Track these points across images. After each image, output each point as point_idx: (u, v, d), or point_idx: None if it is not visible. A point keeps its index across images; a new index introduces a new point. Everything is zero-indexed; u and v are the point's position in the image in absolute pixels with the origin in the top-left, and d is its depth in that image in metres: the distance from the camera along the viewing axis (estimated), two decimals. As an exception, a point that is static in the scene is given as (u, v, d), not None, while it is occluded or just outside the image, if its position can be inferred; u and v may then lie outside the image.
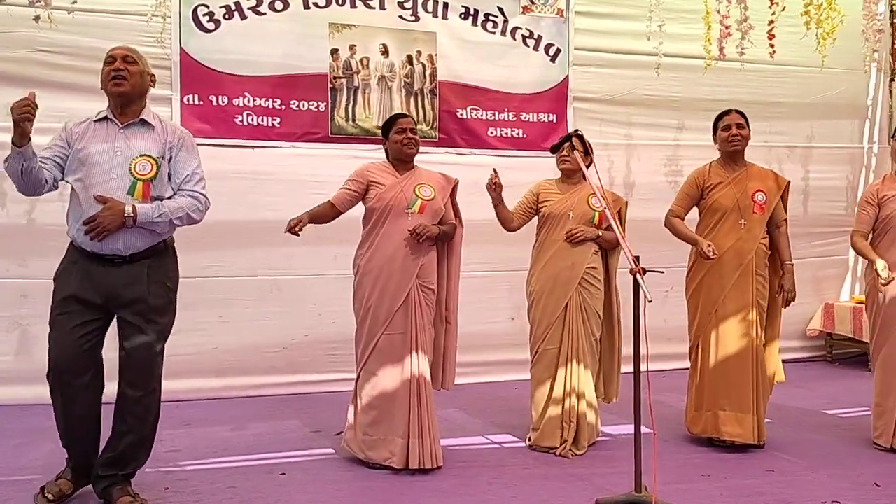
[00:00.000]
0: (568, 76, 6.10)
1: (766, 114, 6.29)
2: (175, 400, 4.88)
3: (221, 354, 5.36)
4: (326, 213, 3.94)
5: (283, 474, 3.74)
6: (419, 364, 3.78)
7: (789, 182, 4.29)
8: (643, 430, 4.28)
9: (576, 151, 3.70)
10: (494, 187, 4.04)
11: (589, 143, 3.76)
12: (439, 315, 3.93)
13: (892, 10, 5.75)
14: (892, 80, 6.86)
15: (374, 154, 5.06)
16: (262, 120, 5.48)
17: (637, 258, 3.14)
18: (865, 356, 6.58)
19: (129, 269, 3.11)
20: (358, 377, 3.88)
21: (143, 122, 3.20)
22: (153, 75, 3.34)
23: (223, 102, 5.39)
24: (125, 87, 3.15)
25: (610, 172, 6.16)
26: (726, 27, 5.41)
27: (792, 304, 4.23)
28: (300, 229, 3.80)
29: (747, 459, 3.99)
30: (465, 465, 3.89)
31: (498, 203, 4.14)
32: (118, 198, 3.05)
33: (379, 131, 5.30)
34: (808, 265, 6.48)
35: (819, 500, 3.38)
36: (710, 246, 3.99)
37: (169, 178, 3.18)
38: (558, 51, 6.08)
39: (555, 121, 6.06)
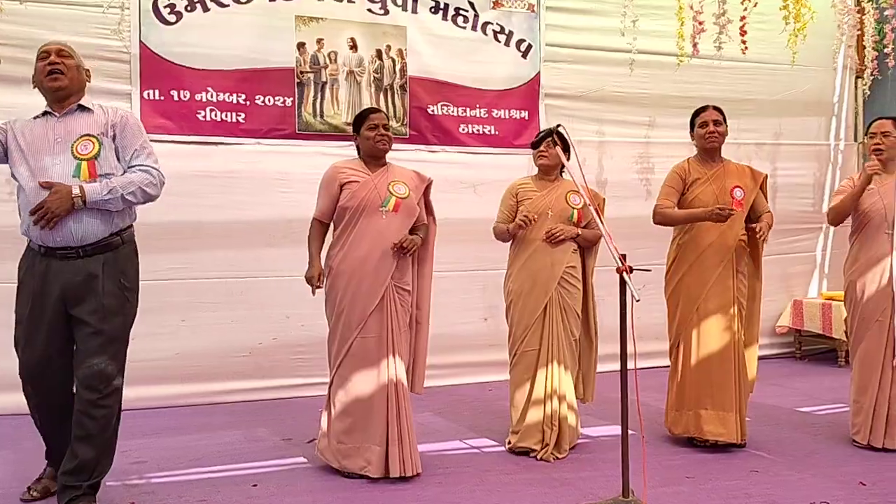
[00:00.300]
0: (539, 72, 6.02)
1: (735, 111, 6.21)
2: (139, 408, 4.69)
3: (186, 360, 5.16)
4: (322, 233, 3.80)
5: (256, 485, 3.57)
6: (395, 368, 3.64)
7: (766, 176, 4.25)
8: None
9: (557, 147, 3.60)
10: (525, 226, 3.98)
11: (570, 140, 3.66)
12: (410, 316, 3.80)
13: (861, 9, 5.77)
14: (857, 77, 6.90)
15: (344, 151, 4.93)
16: (226, 116, 5.28)
17: (623, 256, 3.05)
18: (834, 352, 6.65)
19: (83, 265, 3.02)
20: (331, 382, 3.73)
21: (81, 108, 3.15)
22: (88, 70, 3.26)
23: (185, 98, 5.19)
24: (62, 82, 3.09)
25: (581, 170, 6.07)
26: (700, 23, 5.37)
27: (766, 241, 4.11)
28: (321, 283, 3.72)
29: (729, 460, 3.94)
30: (445, 471, 3.76)
31: (515, 233, 4.07)
32: (64, 182, 2.97)
33: (348, 128, 5.18)
34: (776, 262, 6.51)
35: (808, 501, 3.32)
36: (721, 207, 3.91)
37: (118, 159, 3.10)
38: (529, 46, 5.99)
39: (527, 117, 5.97)
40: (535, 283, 4.01)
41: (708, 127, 4.14)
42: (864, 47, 5.74)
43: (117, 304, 3.07)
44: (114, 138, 3.09)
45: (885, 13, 5.54)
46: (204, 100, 5.23)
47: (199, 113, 5.22)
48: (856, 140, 7.17)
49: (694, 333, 4.10)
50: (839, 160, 7.11)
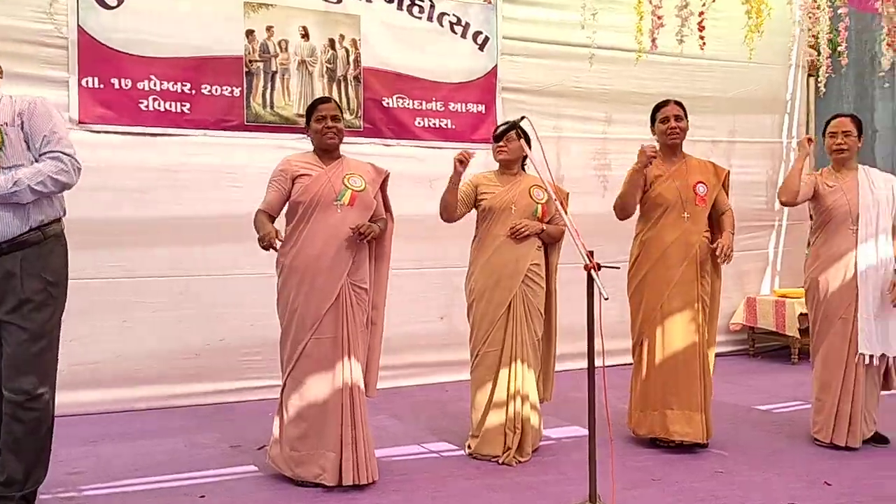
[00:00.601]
0: (497, 66, 5.89)
1: (692, 107, 6.18)
2: (76, 414, 4.43)
3: (127, 362, 4.89)
4: (268, 221, 3.54)
5: (203, 496, 3.36)
6: (351, 370, 3.47)
7: (728, 172, 4.20)
8: (585, 432, 4.14)
9: (521, 140, 3.46)
10: (461, 164, 3.72)
11: (536, 133, 3.51)
12: (366, 316, 3.63)
13: (816, 7, 5.80)
14: (810, 75, 6.96)
15: (296, 144, 4.75)
16: (171, 106, 5.02)
17: (591, 253, 2.93)
18: (787, 349, 6.69)
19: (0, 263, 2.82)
20: (284, 386, 3.54)
21: None
22: None
23: (126, 86, 4.91)
24: None
25: (547, 164, 5.98)
26: (658, 17, 5.31)
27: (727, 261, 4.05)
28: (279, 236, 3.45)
29: (694, 461, 3.87)
30: (403, 478, 3.60)
31: (456, 184, 3.84)
32: None
33: (301, 120, 4.98)
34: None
35: (773, 502, 3.26)
36: (649, 147, 3.89)
37: (28, 148, 2.90)
38: (487, 39, 5.86)
39: (484, 111, 5.84)
40: (499, 281, 3.87)
41: (669, 122, 4.08)
42: (819, 45, 5.76)
43: (40, 299, 2.88)
44: (21, 126, 2.89)
45: (839, 12, 5.56)
46: (146, 88, 4.96)
47: (142, 102, 4.95)
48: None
49: (658, 332, 4.02)
50: (791, 158, 7.15)
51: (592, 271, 2.87)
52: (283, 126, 5.28)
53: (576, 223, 4.63)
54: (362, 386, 3.54)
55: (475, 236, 4.05)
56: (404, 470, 3.72)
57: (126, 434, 4.37)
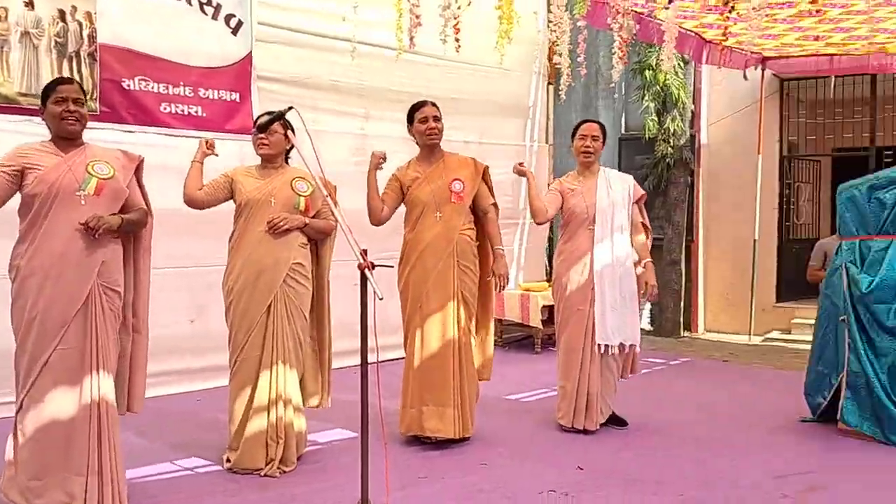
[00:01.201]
0: (251, 52, 5.58)
1: (446, 109, 6.39)
2: None
3: None
4: None
5: None
6: (101, 385, 3.05)
7: (487, 167, 4.30)
8: (352, 434, 4.04)
9: (289, 132, 3.27)
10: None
11: (305, 124, 3.33)
12: (125, 323, 3.23)
13: (549, 21, 6.19)
14: (549, 83, 7.44)
15: (20, 128, 4.14)
16: None
17: (364, 252, 2.83)
18: (531, 339, 7.11)
19: None
20: (20, 406, 3.02)
21: None
22: None
23: None
24: None
25: (318, 156, 5.78)
26: (417, 17, 5.33)
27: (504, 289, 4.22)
28: None
29: (457, 455, 3.93)
30: (155, 500, 3.26)
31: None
32: None
33: (23, 99, 4.39)
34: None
35: (537, 491, 3.39)
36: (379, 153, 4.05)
37: None
38: (240, 23, 5.52)
39: (238, 100, 5.51)
40: (258, 282, 3.64)
41: (428, 122, 4.12)
42: (559, 55, 6.15)
43: None
44: None
45: (579, 24, 5.97)
46: None
47: None
48: (547, 142, 7.75)
49: (418, 332, 4.04)
50: (533, 160, 7.61)
51: (366, 270, 2.77)
52: (4, 105, 4.54)
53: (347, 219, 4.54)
54: (113, 401, 3.13)
55: (233, 232, 3.78)
56: (157, 491, 3.38)
57: None
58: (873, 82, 9.06)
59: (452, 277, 4.06)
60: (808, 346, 4.85)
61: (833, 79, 8.86)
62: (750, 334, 9.31)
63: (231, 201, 3.81)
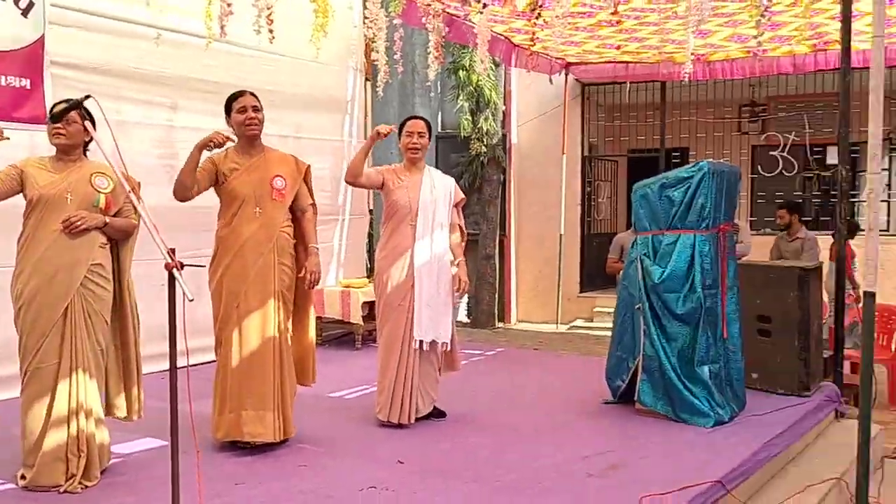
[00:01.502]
0: (44, 36, 5.12)
1: (261, 101, 6.25)
2: None
3: None
4: None
5: None
6: None
7: (309, 166, 4.24)
8: (160, 443, 3.85)
9: (87, 122, 3.04)
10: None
11: (105, 114, 3.11)
12: None
13: (364, 18, 6.21)
14: (367, 80, 7.45)
15: None
16: None
17: (172, 251, 2.70)
18: (352, 336, 7.10)
19: None
20: None
21: None
22: None
23: None
24: None
25: (119, 149, 5.40)
26: (228, 5, 5.14)
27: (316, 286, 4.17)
28: None
29: (275, 458, 3.84)
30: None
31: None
32: None
33: None
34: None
35: (357, 488, 3.39)
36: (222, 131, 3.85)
37: None
38: (31, 3, 5.04)
39: (29, 87, 5.03)
40: (52, 285, 3.36)
41: (247, 112, 4.00)
42: (376, 52, 6.17)
43: None
44: None
45: (395, 22, 6.02)
46: None
47: None
48: (365, 138, 7.74)
49: (235, 333, 3.89)
50: (351, 155, 7.58)
51: (174, 270, 2.65)
52: None
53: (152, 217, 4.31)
54: None
55: (23, 231, 3.46)
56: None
57: None
58: (663, 89, 9.90)
59: (273, 275, 3.95)
60: (609, 333, 5.21)
61: (628, 85, 9.60)
62: (557, 323, 9.88)
63: (21, 196, 3.49)
